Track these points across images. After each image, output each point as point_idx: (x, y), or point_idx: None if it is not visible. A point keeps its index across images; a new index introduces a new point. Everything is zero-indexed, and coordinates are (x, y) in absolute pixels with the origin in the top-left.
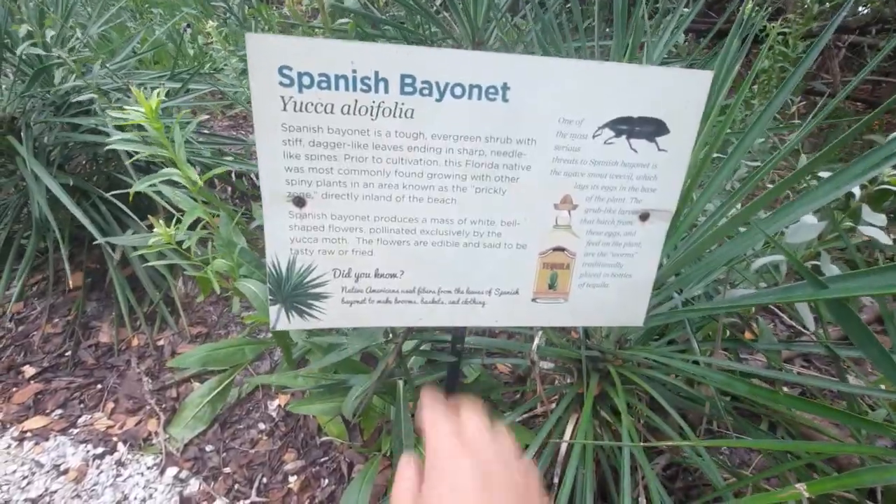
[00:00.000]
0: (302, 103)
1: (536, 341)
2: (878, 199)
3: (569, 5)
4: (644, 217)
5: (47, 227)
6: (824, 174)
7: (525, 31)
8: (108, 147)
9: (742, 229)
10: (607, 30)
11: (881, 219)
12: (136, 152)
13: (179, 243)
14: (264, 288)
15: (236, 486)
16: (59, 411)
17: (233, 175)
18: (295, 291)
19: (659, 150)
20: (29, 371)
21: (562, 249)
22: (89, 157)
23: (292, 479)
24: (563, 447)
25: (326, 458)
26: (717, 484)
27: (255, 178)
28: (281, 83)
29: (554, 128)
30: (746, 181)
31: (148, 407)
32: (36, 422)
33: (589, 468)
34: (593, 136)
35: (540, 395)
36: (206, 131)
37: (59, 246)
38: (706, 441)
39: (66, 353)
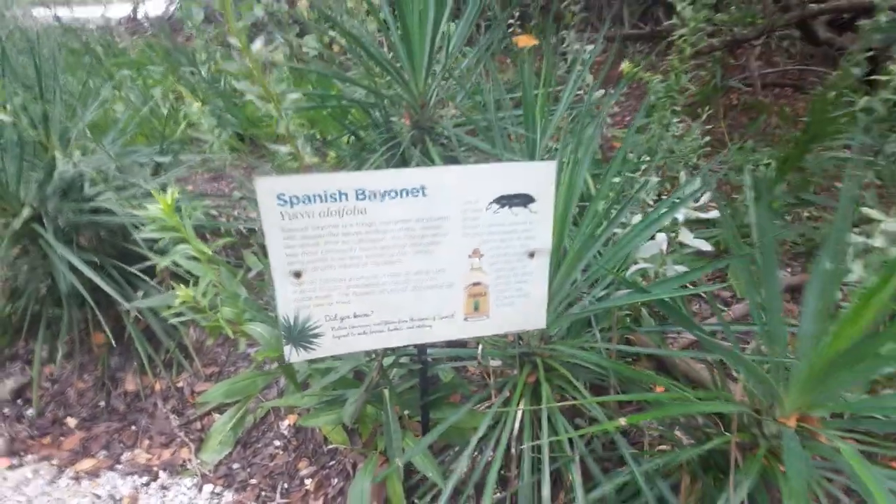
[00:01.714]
0: (293, 214)
1: (480, 348)
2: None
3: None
4: (531, 255)
5: (76, 298)
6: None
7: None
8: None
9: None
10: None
11: (690, 237)
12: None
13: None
14: (268, 328)
15: (263, 493)
16: (103, 452)
17: (221, 228)
18: (300, 334)
19: (531, 212)
20: (71, 422)
21: (478, 283)
22: (96, 231)
23: (308, 481)
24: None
25: (334, 461)
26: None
27: (243, 230)
28: (279, 203)
29: (460, 207)
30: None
31: (179, 439)
32: (86, 463)
33: (528, 429)
34: (486, 209)
35: (490, 386)
36: (190, 188)
37: (87, 312)
38: (595, 398)
39: (100, 403)
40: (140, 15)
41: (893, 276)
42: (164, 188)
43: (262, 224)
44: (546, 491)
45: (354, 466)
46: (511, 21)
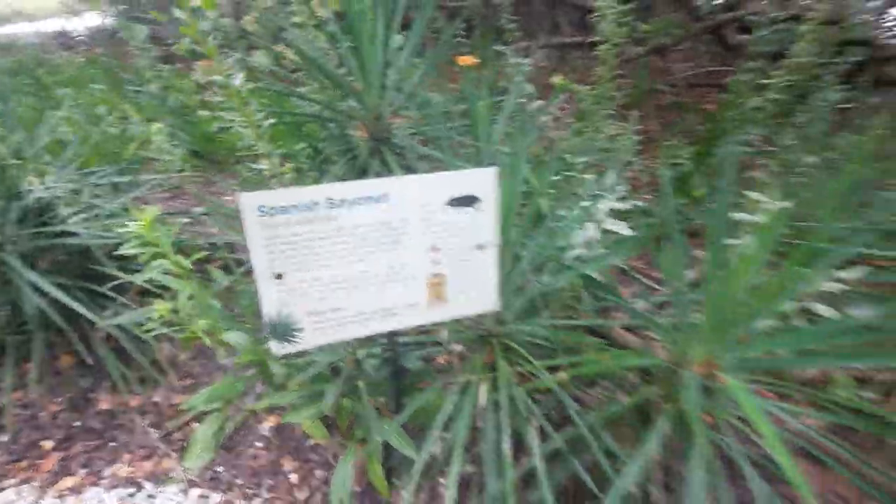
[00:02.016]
0: (273, 223)
1: (444, 333)
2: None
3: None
4: (481, 247)
5: (42, 322)
6: (585, 203)
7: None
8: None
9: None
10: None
11: (618, 224)
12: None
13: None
14: (244, 336)
15: (249, 491)
16: (84, 470)
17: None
18: (284, 330)
19: (478, 211)
20: (47, 444)
21: (438, 275)
22: (61, 254)
23: (292, 476)
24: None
25: (316, 455)
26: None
27: (206, 246)
28: (260, 214)
29: (418, 210)
30: (555, 207)
31: (160, 451)
32: (68, 481)
33: (490, 401)
34: (440, 210)
35: (455, 368)
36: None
37: (54, 336)
38: (543, 362)
39: (76, 424)
40: (71, 28)
41: (765, 243)
42: (125, 209)
43: (246, 233)
44: (506, 446)
45: (336, 457)
46: (456, 34)
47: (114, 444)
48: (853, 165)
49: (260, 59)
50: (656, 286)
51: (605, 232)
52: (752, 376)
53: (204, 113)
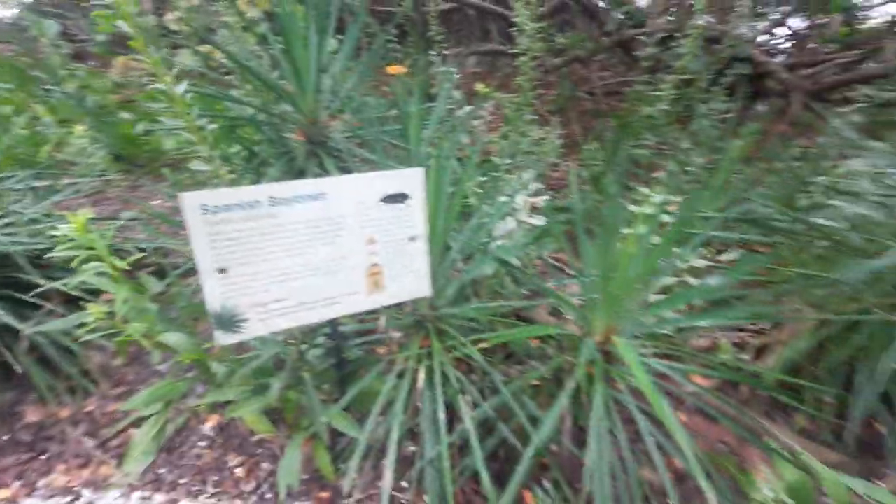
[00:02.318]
0: (216, 221)
1: (382, 320)
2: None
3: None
4: (413, 239)
5: None
6: (503, 198)
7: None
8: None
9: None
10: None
11: (535, 217)
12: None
13: (83, 324)
14: (183, 336)
15: (194, 489)
16: (17, 482)
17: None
18: (229, 321)
19: (409, 207)
20: None
21: (375, 265)
22: None
23: (238, 470)
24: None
25: (262, 449)
26: (482, 364)
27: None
28: (203, 213)
29: (354, 206)
30: (480, 203)
31: (96, 459)
32: (1, 493)
33: (426, 380)
34: (375, 206)
35: (394, 353)
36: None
37: None
38: (470, 337)
39: (4, 438)
40: None
41: (648, 230)
42: (47, 214)
43: (189, 230)
44: (441, 415)
45: (282, 449)
46: (390, 39)
47: (46, 455)
48: (731, 165)
49: (185, 59)
50: (574, 274)
51: (525, 225)
52: (643, 341)
53: (125, 114)
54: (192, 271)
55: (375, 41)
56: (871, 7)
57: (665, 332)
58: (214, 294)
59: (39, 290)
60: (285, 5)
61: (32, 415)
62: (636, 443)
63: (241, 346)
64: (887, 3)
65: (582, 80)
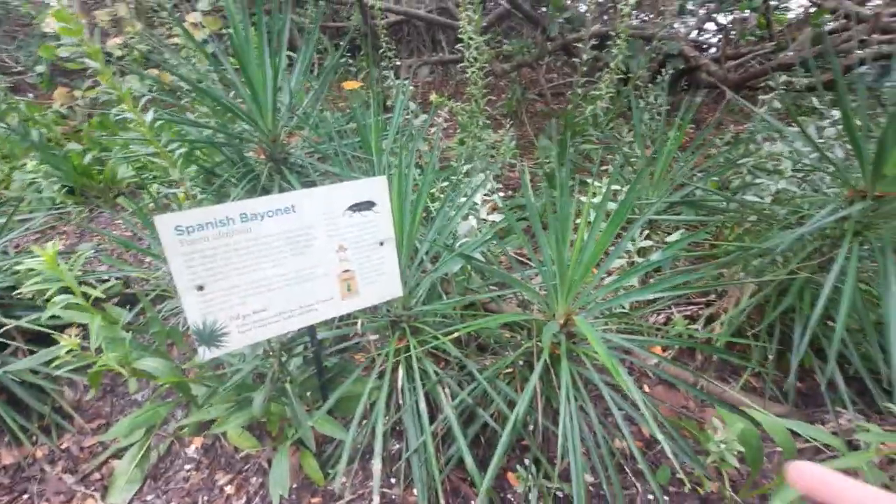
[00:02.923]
0: (191, 240)
1: (359, 324)
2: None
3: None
4: (381, 243)
5: None
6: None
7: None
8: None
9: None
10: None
11: (494, 215)
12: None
13: (52, 360)
14: (160, 360)
15: None
16: None
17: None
18: (210, 336)
19: (375, 213)
20: None
21: (347, 270)
22: None
23: (228, 488)
24: (392, 368)
25: (249, 465)
26: (451, 350)
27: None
28: (177, 233)
29: (322, 217)
30: (441, 205)
31: (79, 494)
32: None
33: (405, 375)
34: (342, 215)
35: (373, 355)
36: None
37: None
38: (443, 331)
39: None
40: None
41: (596, 214)
42: (3, 252)
43: (165, 251)
44: (422, 406)
45: (270, 463)
46: (343, 54)
47: (26, 496)
48: (669, 154)
49: (133, 83)
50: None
51: (486, 223)
52: (605, 320)
53: (74, 145)
54: (160, 298)
55: (329, 57)
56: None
57: (622, 309)
58: (194, 311)
59: (1, 329)
60: (237, 26)
61: (7, 457)
62: (608, 416)
63: (219, 365)
64: None
65: (531, 83)
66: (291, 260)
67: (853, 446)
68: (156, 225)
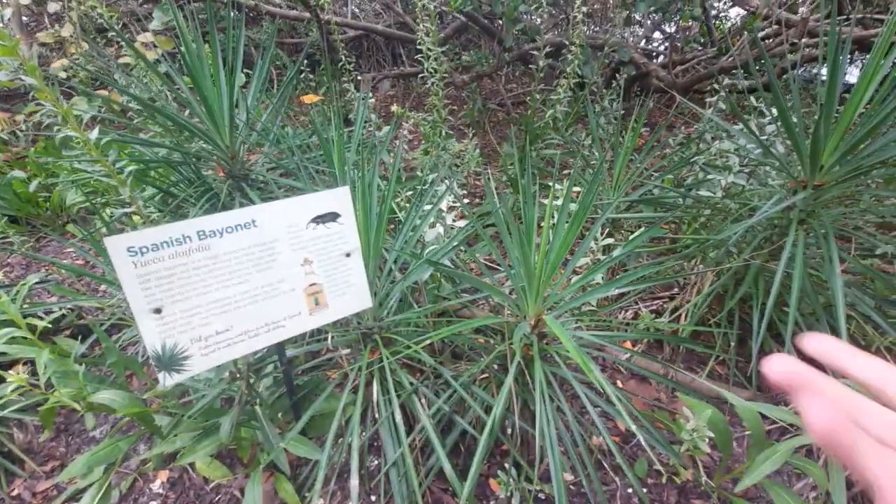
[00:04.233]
0: (145, 261)
1: (329, 340)
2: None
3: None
4: (348, 255)
5: None
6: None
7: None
8: None
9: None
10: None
11: (459, 222)
12: None
13: None
14: (118, 392)
15: None
16: None
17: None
18: (171, 360)
19: (340, 224)
20: None
21: (314, 284)
22: None
23: None
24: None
25: (220, 495)
26: (425, 359)
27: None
28: (129, 254)
29: (285, 230)
30: (407, 215)
31: None
32: None
33: (380, 386)
34: (306, 227)
35: (345, 369)
36: None
37: None
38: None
39: None
40: None
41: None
42: None
43: (118, 274)
44: (398, 417)
45: (242, 491)
46: (301, 69)
47: None
48: (626, 156)
49: (79, 104)
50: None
51: (452, 230)
52: (575, 318)
53: (18, 173)
54: (117, 327)
55: (287, 72)
56: (724, 11)
57: (591, 307)
58: (152, 335)
59: None
60: (188, 44)
61: None
62: (584, 414)
63: (184, 393)
64: (732, 6)
65: (492, 93)
66: (255, 276)
67: None
68: (106, 247)
